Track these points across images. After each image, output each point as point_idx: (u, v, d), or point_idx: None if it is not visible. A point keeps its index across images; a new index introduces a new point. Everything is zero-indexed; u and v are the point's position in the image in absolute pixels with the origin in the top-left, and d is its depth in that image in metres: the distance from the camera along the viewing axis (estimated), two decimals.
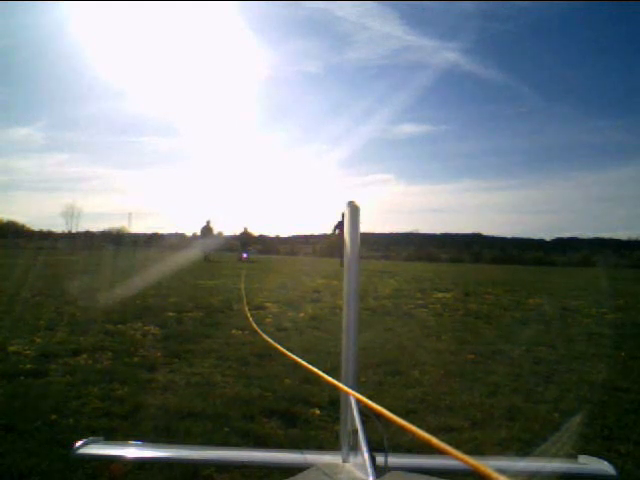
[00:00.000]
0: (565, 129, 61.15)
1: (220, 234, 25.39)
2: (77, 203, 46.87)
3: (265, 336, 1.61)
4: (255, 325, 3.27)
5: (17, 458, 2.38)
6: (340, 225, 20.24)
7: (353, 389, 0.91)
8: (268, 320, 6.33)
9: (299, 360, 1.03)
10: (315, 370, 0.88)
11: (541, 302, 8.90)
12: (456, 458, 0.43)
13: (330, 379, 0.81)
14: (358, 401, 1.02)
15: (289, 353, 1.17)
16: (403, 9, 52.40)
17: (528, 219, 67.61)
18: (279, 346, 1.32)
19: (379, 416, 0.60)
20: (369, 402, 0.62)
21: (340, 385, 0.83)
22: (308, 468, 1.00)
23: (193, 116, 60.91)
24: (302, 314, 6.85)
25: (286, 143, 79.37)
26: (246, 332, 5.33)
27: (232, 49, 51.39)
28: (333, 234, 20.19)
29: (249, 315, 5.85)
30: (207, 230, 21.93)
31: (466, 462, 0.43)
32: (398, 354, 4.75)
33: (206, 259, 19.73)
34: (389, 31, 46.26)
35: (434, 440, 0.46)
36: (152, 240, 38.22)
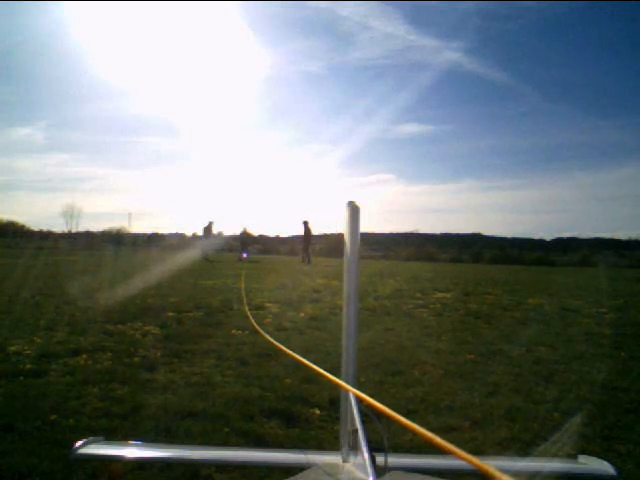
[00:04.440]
0: (565, 129, 61.26)
1: (220, 234, 25.40)
2: (77, 203, 46.97)
3: (268, 336, 1.61)
4: (256, 325, 3.28)
5: (17, 458, 2.38)
6: (305, 225, 20.91)
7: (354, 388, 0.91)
8: (268, 320, 6.33)
9: (301, 359, 1.03)
10: (317, 368, 0.88)
11: (541, 302, 8.91)
12: (460, 458, 0.43)
13: (333, 377, 0.81)
14: (359, 400, 1.03)
15: (291, 352, 1.17)
16: (405, 9, 52.46)
17: (528, 219, 67.65)
18: (280, 345, 1.33)
19: (379, 416, 0.60)
20: (371, 400, 0.62)
21: (343, 383, 0.83)
22: (308, 468, 1.00)
23: (193, 116, 60.80)
24: (302, 314, 6.85)
25: (287, 143, 79.31)
26: (246, 332, 5.33)
27: (232, 49, 51.34)
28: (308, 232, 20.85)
29: (250, 315, 5.85)
30: (209, 230, 22.05)
31: (470, 462, 0.42)
32: (398, 354, 4.75)
33: (206, 259, 19.74)
34: (391, 31, 46.22)
35: (437, 439, 0.46)
36: (152, 240, 38.24)
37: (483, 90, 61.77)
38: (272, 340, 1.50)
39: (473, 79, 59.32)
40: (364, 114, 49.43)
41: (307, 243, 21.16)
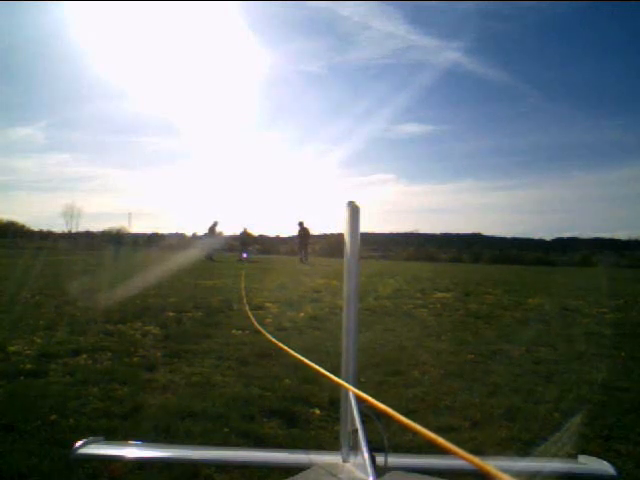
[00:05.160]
0: (565, 129, 61.33)
1: (221, 234, 25.40)
2: (77, 203, 47.05)
3: (269, 336, 1.61)
4: (257, 325, 3.27)
5: (17, 458, 2.38)
6: (301, 225, 21.13)
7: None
8: (268, 320, 6.33)
9: (303, 358, 1.03)
10: (317, 368, 0.88)
11: (541, 302, 8.90)
12: (461, 458, 0.43)
13: (333, 377, 0.81)
14: (360, 400, 1.03)
15: (292, 352, 1.17)
16: (406, 9, 52.50)
17: (528, 219, 67.75)
18: (282, 344, 1.33)
19: (379, 416, 0.60)
20: (372, 400, 0.62)
21: (343, 383, 0.83)
22: (308, 468, 1.00)
23: (193, 116, 60.92)
24: (302, 314, 6.85)
25: (287, 143, 79.38)
26: (246, 332, 5.33)
27: (232, 49, 51.40)
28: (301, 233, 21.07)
29: (251, 315, 5.85)
30: (213, 230, 22.08)
31: (471, 462, 0.42)
32: (398, 354, 4.75)
33: (211, 259, 19.75)
34: (392, 31, 46.28)
35: (439, 439, 0.46)
36: (152, 240, 38.21)
37: (483, 90, 61.91)
38: (274, 339, 1.50)
39: (473, 79, 59.40)
40: (364, 114, 49.31)
41: (304, 243, 21.37)
